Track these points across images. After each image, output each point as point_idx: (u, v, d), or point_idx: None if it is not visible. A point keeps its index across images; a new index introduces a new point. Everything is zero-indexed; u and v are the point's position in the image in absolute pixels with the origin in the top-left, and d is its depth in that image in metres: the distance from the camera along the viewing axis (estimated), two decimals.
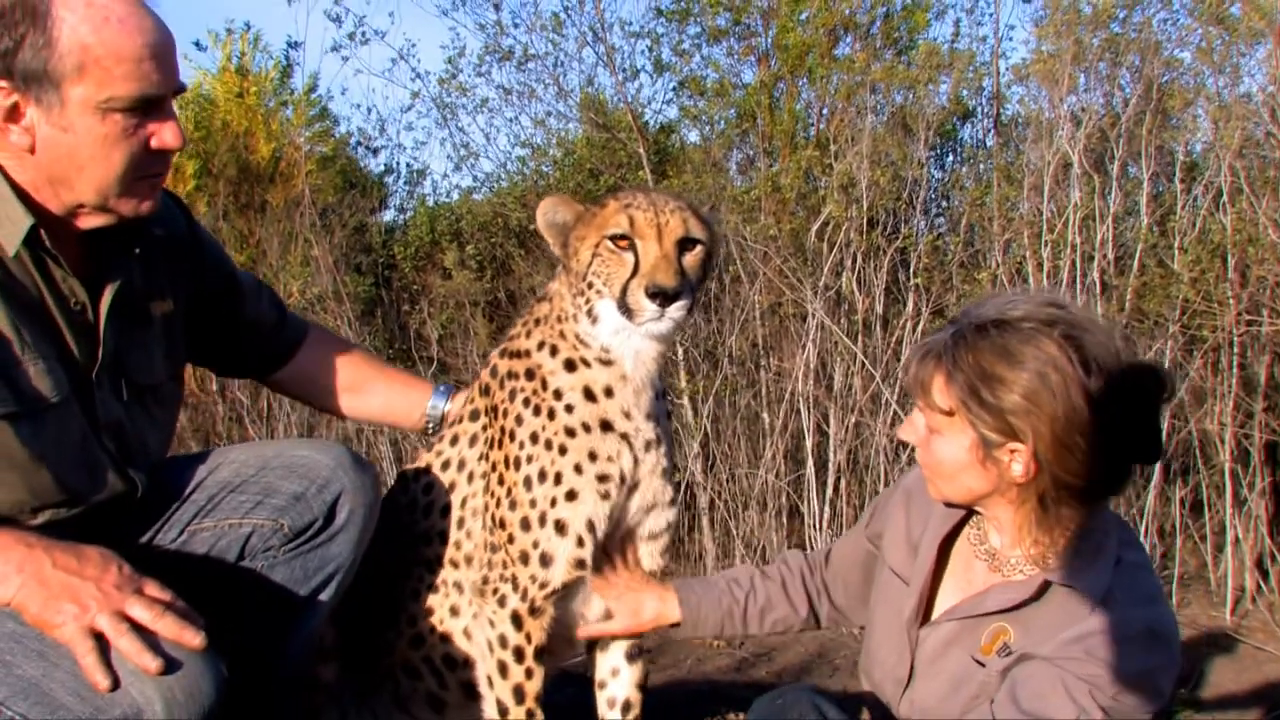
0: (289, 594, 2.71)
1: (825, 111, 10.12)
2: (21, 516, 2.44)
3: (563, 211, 2.70)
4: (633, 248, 2.60)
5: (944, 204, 10.31)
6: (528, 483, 2.61)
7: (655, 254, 2.59)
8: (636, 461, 2.71)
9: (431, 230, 12.16)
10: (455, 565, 2.83)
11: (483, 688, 2.78)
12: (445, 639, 2.86)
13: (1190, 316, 7.91)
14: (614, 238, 2.61)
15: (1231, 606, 8.23)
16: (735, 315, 8.68)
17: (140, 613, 2.21)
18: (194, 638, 2.22)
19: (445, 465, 2.86)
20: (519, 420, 2.63)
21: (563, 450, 2.62)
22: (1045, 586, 2.42)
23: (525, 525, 2.62)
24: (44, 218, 2.45)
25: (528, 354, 2.72)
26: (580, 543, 2.64)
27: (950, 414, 2.44)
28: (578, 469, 2.63)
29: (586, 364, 2.68)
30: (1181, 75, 8.70)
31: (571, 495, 2.63)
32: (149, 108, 2.43)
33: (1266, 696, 7.53)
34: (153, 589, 2.28)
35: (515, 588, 2.65)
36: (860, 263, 8.41)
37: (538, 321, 2.75)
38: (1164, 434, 2.59)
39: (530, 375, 2.68)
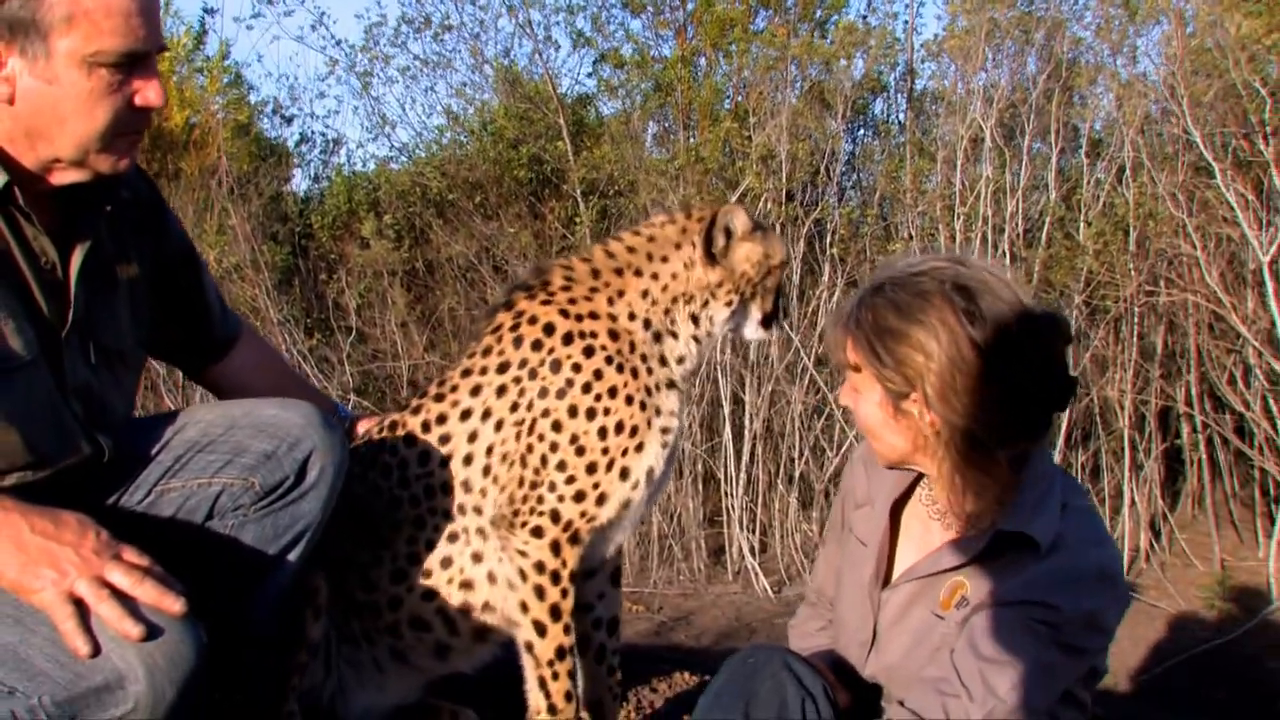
0: (258, 553, 2.65)
1: (744, 85, 10.23)
2: None
3: (739, 222, 3.02)
4: (783, 276, 3.15)
5: (856, 177, 10.50)
6: (602, 432, 2.83)
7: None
8: (681, 415, 3.03)
9: (349, 199, 12.02)
10: (479, 512, 2.89)
11: (516, 615, 2.87)
12: (466, 586, 2.91)
13: (1094, 288, 8.19)
14: (780, 264, 3.08)
15: (1127, 565, 8.55)
16: None
17: (120, 578, 2.15)
18: (174, 603, 2.15)
19: (465, 415, 2.90)
20: (598, 374, 2.82)
21: (641, 406, 2.88)
22: (996, 537, 2.49)
23: (591, 469, 2.82)
24: (16, 173, 2.39)
25: (613, 318, 2.91)
26: (635, 486, 2.88)
27: (859, 371, 2.58)
28: (649, 423, 2.89)
29: (675, 336, 2.99)
30: (1084, 54, 8.97)
31: (640, 446, 2.88)
32: (134, 64, 2.37)
33: (1159, 649, 7.88)
34: (131, 555, 2.20)
35: (556, 520, 2.81)
36: (778, 234, 8.53)
37: (621, 292, 2.95)
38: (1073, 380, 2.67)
39: (615, 336, 2.88)
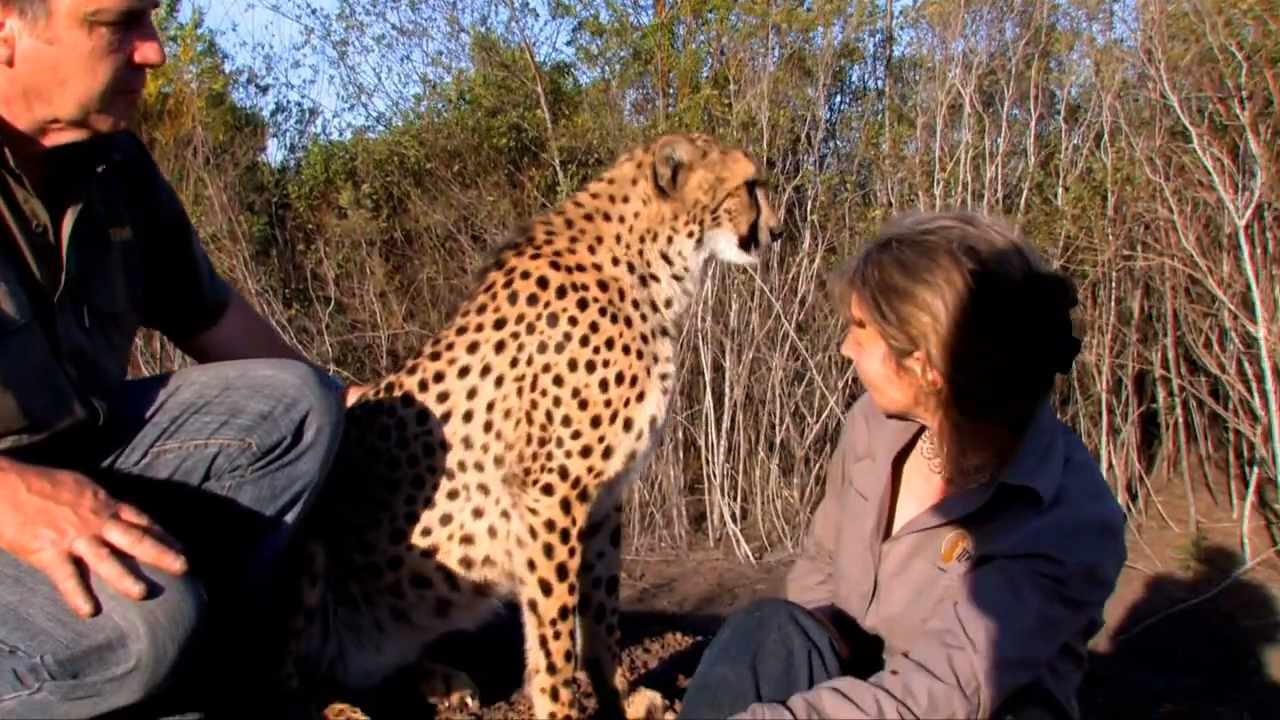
0: (256, 514, 2.65)
1: (724, 53, 10.21)
2: None
3: (683, 149, 2.96)
4: (754, 193, 2.99)
5: (835, 144, 10.50)
6: (604, 385, 2.84)
7: (769, 201, 3.05)
8: (676, 360, 3.06)
9: (326, 169, 11.95)
10: (480, 468, 2.90)
11: (522, 572, 2.88)
12: (466, 540, 2.92)
13: (1072, 253, 8.24)
14: (749, 184, 2.96)
15: None
16: None
17: (119, 538, 2.15)
18: (174, 562, 2.16)
19: (464, 372, 2.90)
20: (594, 327, 2.83)
21: (639, 355, 2.89)
22: (999, 491, 2.49)
23: (595, 423, 2.83)
24: (7, 135, 2.38)
25: (598, 268, 2.90)
26: (639, 436, 2.90)
27: (864, 326, 2.58)
28: (647, 372, 2.91)
29: (657, 279, 2.97)
30: (1060, 20, 9.00)
31: (641, 396, 2.89)
32: (132, 22, 2.38)
33: (1136, 609, 7.99)
34: (129, 514, 2.20)
35: (565, 477, 2.82)
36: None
37: (599, 239, 2.94)
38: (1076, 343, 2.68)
39: (604, 287, 2.88)
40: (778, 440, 9.07)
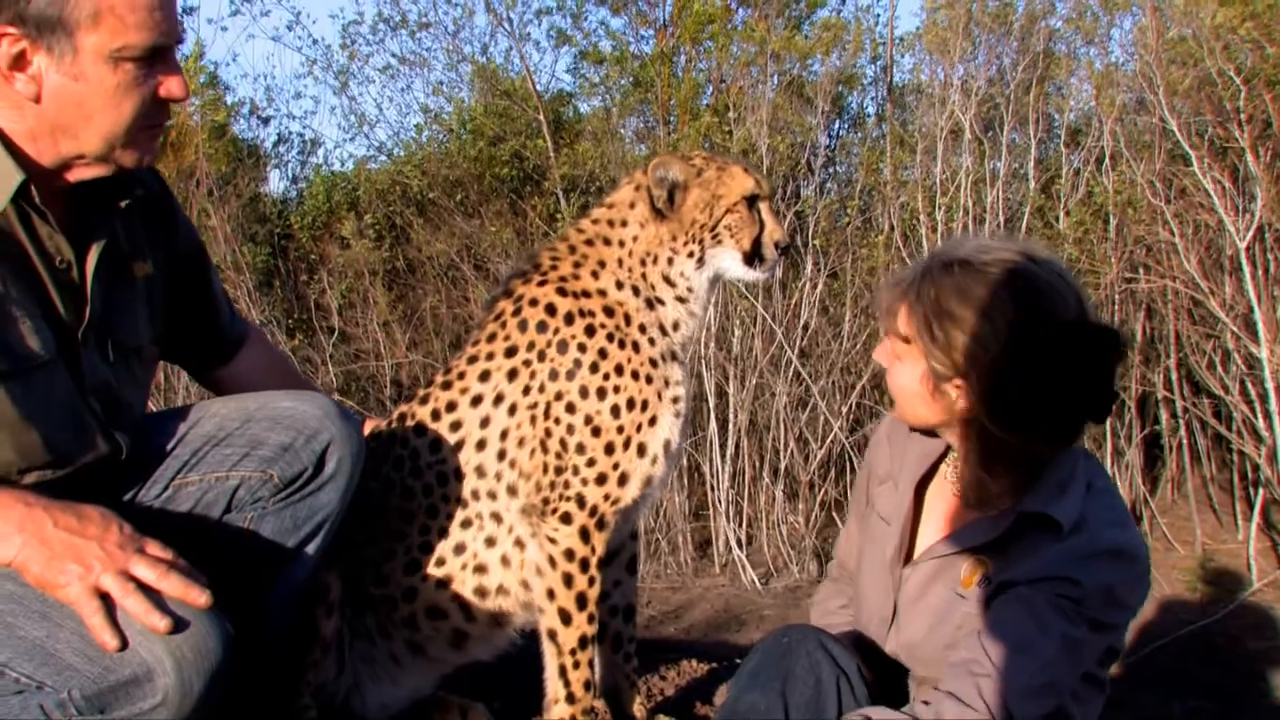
0: (277, 545, 2.66)
1: (724, 80, 10.27)
2: (9, 477, 2.36)
3: (676, 170, 2.95)
4: (756, 208, 2.96)
5: (835, 170, 10.54)
6: (615, 411, 2.83)
7: (774, 214, 3.01)
8: (687, 384, 3.04)
9: (328, 200, 11.99)
10: (494, 497, 2.90)
11: (541, 601, 2.87)
12: (480, 570, 2.91)
13: (1075, 276, 8.25)
14: (749, 199, 2.94)
15: None
16: None
17: (145, 572, 2.17)
18: (199, 596, 2.18)
19: (476, 401, 2.90)
20: (602, 353, 2.82)
21: (649, 379, 2.88)
22: (1019, 518, 2.50)
23: (609, 450, 2.82)
24: (32, 172, 2.39)
25: (603, 293, 2.90)
26: (654, 461, 2.89)
27: (908, 342, 2.58)
28: (659, 396, 2.89)
29: (662, 302, 2.95)
30: (1059, 44, 9.04)
31: (653, 420, 2.88)
32: (156, 57, 2.39)
33: (1145, 631, 7.96)
34: (155, 548, 2.22)
35: (582, 505, 2.82)
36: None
37: (602, 263, 2.94)
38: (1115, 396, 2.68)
39: (610, 312, 2.87)
40: (782, 466, 9.06)
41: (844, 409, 8.76)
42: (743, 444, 9.00)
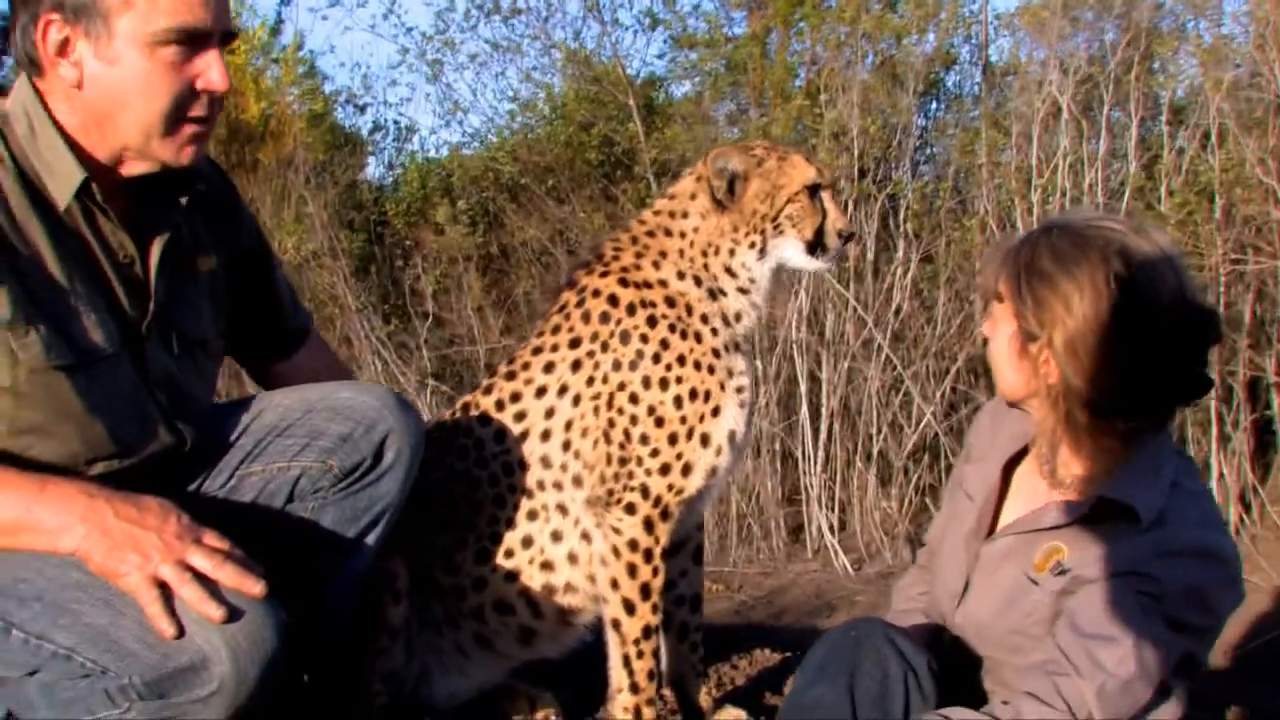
0: (338, 535, 2.71)
1: (815, 62, 10.16)
2: (76, 468, 2.43)
3: (736, 161, 2.96)
4: (818, 197, 2.98)
5: (930, 151, 10.37)
6: (678, 401, 2.86)
7: (837, 203, 3.05)
8: (751, 374, 3.06)
9: (423, 186, 12.14)
10: (559, 488, 2.94)
11: (605, 590, 2.91)
12: (546, 566, 2.95)
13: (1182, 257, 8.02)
14: (810, 188, 2.96)
15: None
16: None
17: (201, 562, 2.22)
18: (255, 585, 2.23)
19: (541, 392, 2.93)
20: (664, 344, 2.86)
21: (711, 370, 2.90)
22: (1100, 504, 2.48)
23: (673, 440, 2.86)
24: (93, 168, 2.44)
25: (664, 284, 2.93)
26: (719, 452, 2.92)
27: (1002, 302, 2.59)
28: (721, 386, 2.92)
29: (724, 293, 2.98)
30: (1163, 19, 8.76)
31: (716, 411, 2.90)
32: (195, 45, 2.40)
33: (1255, 623, 7.72)
34: (212, 538, 2.29)
35: (646, 496, 2.85)
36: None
37: (663, 254, 2.97)
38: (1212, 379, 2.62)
39: (672, 303, 2.90)
40: (875, 451, 8.97)
41: (937, 394, 8.64)
42: (835, 429, 8.92)
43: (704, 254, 2.95)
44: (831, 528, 9.07)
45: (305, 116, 11.85)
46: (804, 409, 8.87)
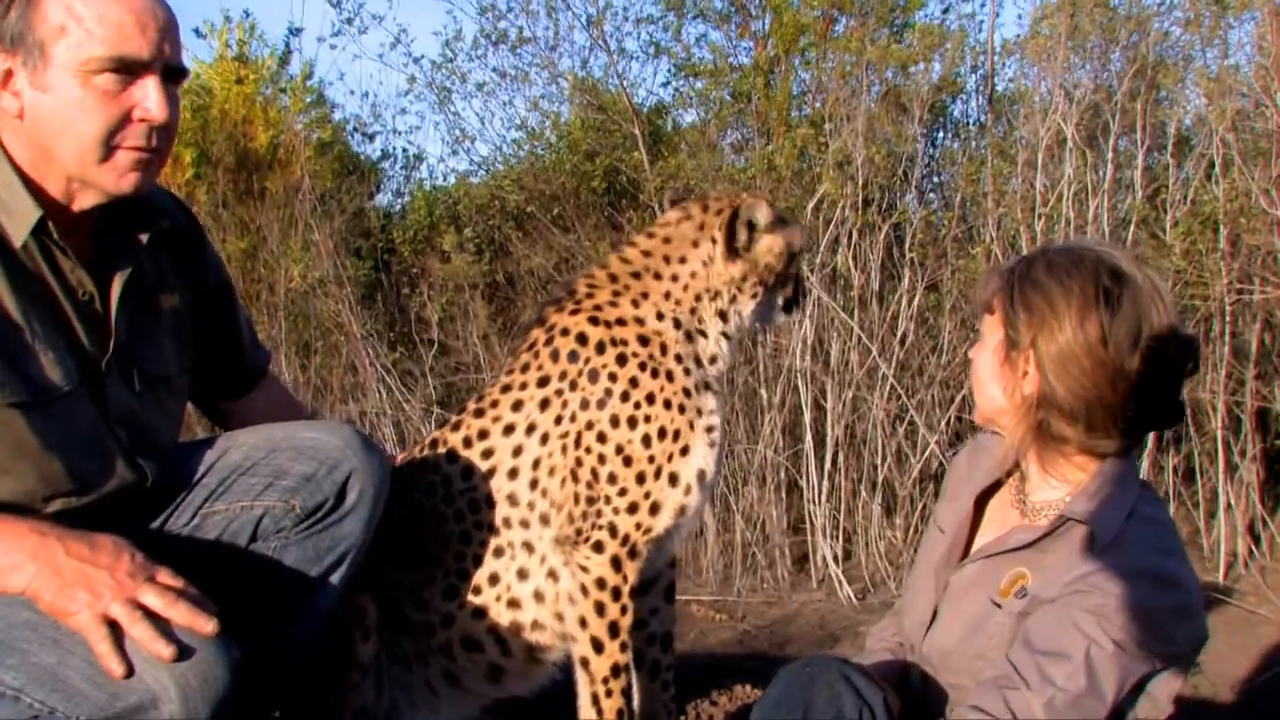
0: (301, 575, 2.72)
1: (820, 91, 10.17)
2: (34, 506, 2.43)
3: (763, 214, 3.04)
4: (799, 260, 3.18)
5: (935, 180, 10.37)
6: (646, 440, 2.88)
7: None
8: (721, 414, 3.10)
9: (429, 214, 12.15)
10: (526, 525, 2.93)
11: (573, 629, 2.91)
12: (513, 604, 2.94)
13: (1182, 287, 8.00)
14: (801, 251, 3.15)
15: (1224, 571, 8.34)
16: None
17: (153, 600, 2.21)
18: (206, 624, 2.22)
19: (509, 430, 2.94)
20: (633, 382, 2.87)
21: (681, 409, 2.91)
22: (1061, 524, 2.54)
23: (640, 479, 2.86)
24: (48, 205, 2.43)
25: (640, 321, 2.94)
26: (687, 491, 2.95)
27: (992, 314, 2.65)
28: (691, 425, 2.94)
29: (705, 335, 3.04)
30: (1170, 49, 8.76)
31: (685, 450, 2.92)
32: (132, 74, 2.41)
33: (1263, 657, 7.66)
34: (165, 576, 2.29)
35: (614, 534, 2.86)
36: (856, 239, 8.49)
37: (645, 295, 2.97)
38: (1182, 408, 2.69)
39: (645, 341, 2.91)
40: (880, 480, 8.93)
41: (942, 423, 8.61)
42: (840, 458, 8.89)
43: (698, 298, 2.98)
44: (836, 557, 9.03)
45: (313, 145, 11.88)
46: (808, 438, 8.85)
